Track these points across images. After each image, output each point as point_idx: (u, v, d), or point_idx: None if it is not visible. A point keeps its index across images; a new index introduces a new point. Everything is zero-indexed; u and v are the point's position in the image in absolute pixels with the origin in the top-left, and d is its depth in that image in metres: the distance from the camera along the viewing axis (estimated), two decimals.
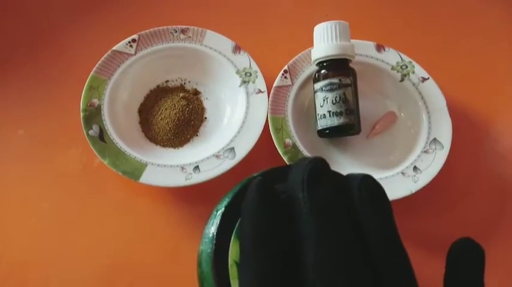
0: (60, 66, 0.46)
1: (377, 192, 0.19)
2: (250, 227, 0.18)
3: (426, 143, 0.40)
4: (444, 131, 0.40)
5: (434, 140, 0.40)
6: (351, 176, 0.19)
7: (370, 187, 0.19)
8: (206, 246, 0.22)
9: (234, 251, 0.20)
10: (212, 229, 0.22)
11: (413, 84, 0.42)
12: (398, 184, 0.38)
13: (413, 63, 0.43)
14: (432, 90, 0.42)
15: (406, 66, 0.43)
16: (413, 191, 0.37)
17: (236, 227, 0.21)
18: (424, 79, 0.43)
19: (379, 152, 0.41)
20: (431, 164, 0.38)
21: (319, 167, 0.18)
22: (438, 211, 0.40)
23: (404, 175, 0.38)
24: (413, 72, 0.43)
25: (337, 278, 0.16)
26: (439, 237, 0.38)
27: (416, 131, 0.41)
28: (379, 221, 0.18)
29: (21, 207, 0.40)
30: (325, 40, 0.39)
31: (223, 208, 0.22)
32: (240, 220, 0.19)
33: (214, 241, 0.20)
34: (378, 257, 0.17)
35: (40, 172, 0.41)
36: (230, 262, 0.20)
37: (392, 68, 0.43)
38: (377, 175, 0.38)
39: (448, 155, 0.39)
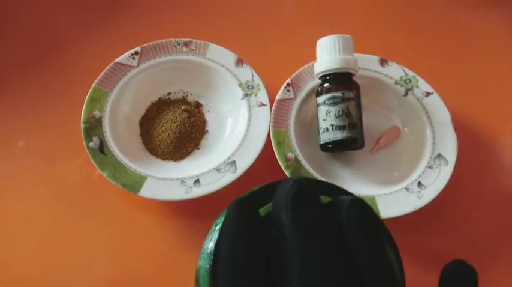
0: (62, 78, 0.46)
1: (366, 217, 0.18)
2: (228, 250, 0.18)
3: (431, 158, 0.39)
4: (449, 146, 0.39)
5: (439, 155, 0.39)
6: (340, 199, 0.19)
7: (359, 211, 0.18)
8: (204, 262, 0.22)
9: None
10: (210, 244, 0.22)
11: (418, 98, 0.42)
12: (402, 199, 0.37)
13: (417, 77, 0.43)
14: (436, 104, 0.42)
15: (410, 81, 0.43)
16: (417, 208, 0.36)
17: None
18: (428, 94, 0.42)
19: (383, 167, 0.41)
20: (436, 180, 0.38)
21: (303, 188, 0.18)
22: (443, 227, 0.39)
23: (408, 190, 0.38)
24: (417, 87, 0.42)
25: None
26: (443, 254, 0.37)
27: (421, 146, 0.41)
28: (368, 248, 0.17)
29: (21, 219, 0.39)
30: (327, 54, 0.39)
31: (221, 223, 0.21)
32: (216, 240, 0.19)
33: (212, 257, 0.19)
34: (367, 282, 0.17)
35: (40, 183, 0.40)
36: None
37: (396, 83, 0.43)
38: (381, 191, 0.38)
39: (453, 170, 0.38)
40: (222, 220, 0.22)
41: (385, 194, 0.37)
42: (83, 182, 0.41)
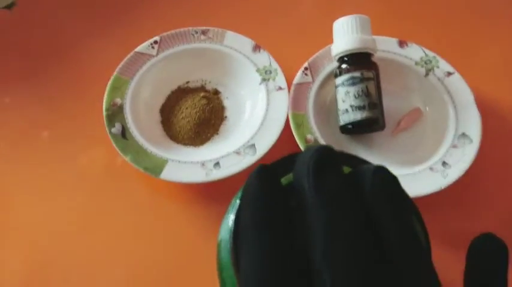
0: (84, 67, 0.47)
1: (391, 185, 0.17)
2: (250, 216, 0.17)
3: (454, 137, 0.38)
4: (473, 126, 0.39)
5: (463, 134, 0.38)
6: (363, 168, 0.18)
7: (383, 179, 0.17)
8: (225, 233, 0.22)
9: None
10: (231, 216, 0.22)
11: (439, 79, 0.41)
12: (427, 179, 0.36)
13: (438, 57, 0.42)
14: (458, 84, 0.41)
15: (430, 61, 0.42)
16: (443, 187, 0.35)
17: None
18: (449, 74, 0.41)
19: (405, 148, 0.40)
20: (461, 159, 0.37)
21: (325, 156, 0.18)
22: (469, 207, 0.38)
23: (432, 170, 0.37)
24: (437, 67, 0.42)
25: (349, 267, 0.15)
26: (469, 232, 0.36)
27: (444, 126, 0.40)
28: (392, 217, 0.17)
29: (46, 206, 0.40)
30: (345, 34, 0.39)
31: (242, 191, 0.21)
32: (239, 204, 0.19)
33: (233, 228, 0.19)
34: (392, 252, 0.16)
35: (64, 171, 0.41)
36: None
37: (416, 64, 0.42)
38: (404, 171, 0.37)
39: (478, 150, 0.37)
40: None
41: (409, 174, 0.37)
42: (106, 169, 0.41)
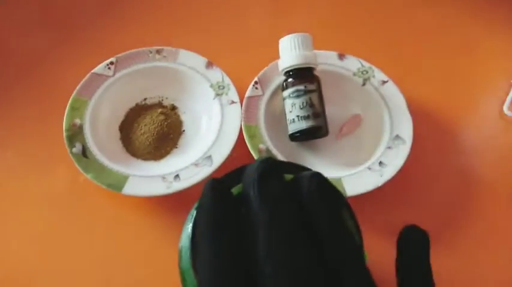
0: (43, 89, 0.48)
1: (324, 187, 0.20)
2: (204, 223, 0.20)
3: (389, 139, 0.43)
4: (405, 128, 0.43)
5: (397, 136, 0.43)
6: (302, 174, 0.21)
7: (318, 183, 0.20)
8: (185, 241, 0.24)
9: None
10: (190, 225, 0.24)
11: (375, 87, 0.46)
12: (365, 178, 0.40)
13: (373, 68, 0.47)
14: (392, 91, 0.46)
15: (367, 72, 0.47)
16: (379, 185, 0.40)
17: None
18: (384, 82, 0.46)
19: (348, 151, 0.44)
20: (395, 159, 0.41)
21: (268, 166, 0.20)
22: (402, 202, 0.43)
23: (370, 169, 0.41)
24: (373, 77, 0.46)
25: (288, 263, 0.18)
26: (402, 225, 0.41)
27: (380, 129, 0.44)
28: (327, 214, 0.19)
29: (9, 225, 0.41)
30: (289, 51, 0.43)
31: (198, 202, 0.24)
32: (194, 218, 0.21)
33: (191, 236, 0.21)
34: (329, 250, 0.19)
35: (28, 190, 0.42)
36: None
37: (354, 74, 0.47)
38: (347, 172, 0.41)
39: (411, 151, 0.42)
40: None
41: (350, 174, 0.41)
42: (70, 187, 0.43)
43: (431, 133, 0.48)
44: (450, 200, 0.44)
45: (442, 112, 0.49)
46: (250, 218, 0.20)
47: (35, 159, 0.44)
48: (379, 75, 0.46)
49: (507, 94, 0.50)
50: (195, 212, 0.25)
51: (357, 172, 0.41)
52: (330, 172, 0.42)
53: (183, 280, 0.23)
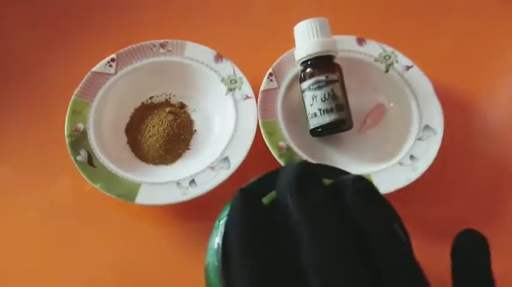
0: (40, 93, 0.45)
1: (369, 191, 0.19)
2: (237, 239, 0.18)
3: (419, 130, 0.40)
4: (435, 117, 0.40)
5: (427, 126, 0.40)
6: (343, 178, 0.19)
7: (361, 187, 0.19)
8: (212, 258, 0.22)
9: None
10: (216, 239, 0.22)
11: (399, 73, 0.43)
12: (397, 174, 0.37)
13: (396, 52, 0.43)
14: (418, 77, 0.42)
15: (389, 57, 0.43)
16: (412, 180, 0.37)
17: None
18: (408, 67, 0.43)
19: (374, 145, 0.41)
20: (427, 151, 0.38)
21: (306, 171, 0.19)
22: (438, 197, 0.40)
23: (401, 164, 0.38)
24: (397, 62, 0.43)
25: (339, 279, 0.16)
26: (443, 222, 0.38)
27: (408, 119, 0.41)
28: (374, 219, 0.18)
29: (13, 242, 0.38)
30: (306, 39, 0.39)
31: (226, 217, 0.21)
32: (223, 232, 0.19)
33: (221, 251, 0.19)
34: (377, 255, 0.17)
35: (31, 207, 0.39)
36: None
37: (376, 60, 0.43)
38: (375, 168, 0.38)
39: (442, 140, 0.39)
40: (226, 213, 0.22)
41: (379, 170, 0.38)
42: (75, 198, 0.40)
43: (459, 120, 0.44)
44: (486, 189, 0.41)
45: (467, 97, 0.46)
46: (289, 227, 0.18)
47: (35, 169, 0.41)
48: (403, 60, 0.43)
49: None
50: (221, 225, 0.23)
51: (387, 167, 0.38)
52: (356, 167, 0.39)
53: None
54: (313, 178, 0.19)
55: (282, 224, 0.19)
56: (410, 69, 0.43)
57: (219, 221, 0.23)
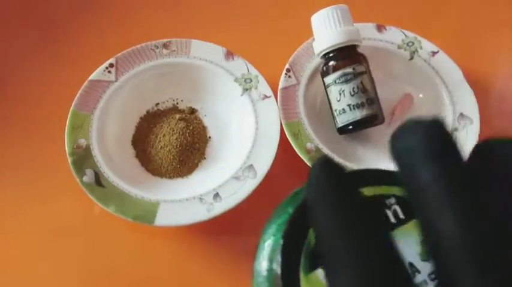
0: (34, 109, 0.40)
1: None
2: (328, 216, 0.13)
3: (454, 119, 0.37)
4: (468, 104, 0.37)
5: (461, 115, 0.37)
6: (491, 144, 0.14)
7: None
8: (263, 285, 0.18)
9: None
10: (264, 264, 0.18)
11: (424, 60, 0.39)
12: None
13: (419, 38, 0.40)
14: (445, 62, 0.39)
15: (413, 43, 0.40)
16: None
17: (302, 260, 0.16)
18: (434, 53, 0.40)
19: None
20: (466, 141, 0.35)
21: (443, 132, 0.13)
22: None
23: None
24: (421, 48, 0.40)
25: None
26: None
27: (439, 108, 0.38)
28: None
29: (19, 273, 0.33)
30: (327, 29, 0.36)
31: (280, 238, 0.17)
32: (309, 222, 0.14)
33: (281, 277, 0.16)
34: None
35: (33, 232, 0.35)
36: None
37: (399, 47, 0.40)
38: None
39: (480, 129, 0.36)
40: (271, 232, 0.18)
41: None
42: (83, 222, 0.35)
43: (493, 106, 0.42)
44: None
45: (497, 81, 0.43)
46: (422, 201, 0.13)
47: (35, 194, 0.36)
48: (427, 45, 0.40)
49: None
50: (266, 246, 0.19)
51: None
52: (388, 163, 0.35)
53: None
54: (449, 141, 0.13)
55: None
56: (437, 55, 0.40)
57: (264, 243, 0.20)
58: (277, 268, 0.17)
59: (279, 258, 0.17)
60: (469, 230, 0.12)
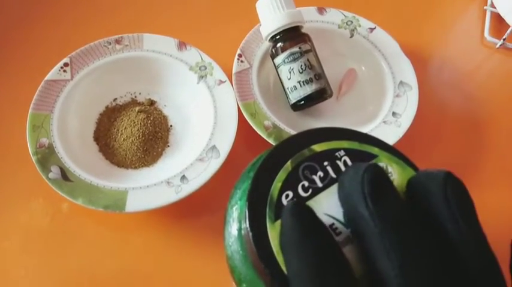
0: None
1: (462, 195, 0.16)
2: (300, 263, 0.15)
3: (395, 87, 0.40)
4: (407, 73, 0.41)
5: (401, 82, 0.41)
6: (428, 177, 0.16)
7: (456, 192, 0.15)
8: (235, 246, 0.20)
9: (274, 235, 0.18)
10: (234, 226, 0.20)
11: (364, 36, 0.43)
12: (385, 132, 0.38)
13: (357, 17, 0.44)
14: (382, 37, 0.43)
15: (351, 22, 0.43)
16: (400, 136, 0.37)
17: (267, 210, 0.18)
18: (371, 29, 0.43)
19: (353, 109, 0.41)
20: (407, 106, 0.39)
21: (377, 175, 0.16)
22: (424, 152, 0.41)
23: (386, 123, 0.38)
24: (359, 26, 0.43)
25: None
26: None
27: (381, 79, 0.42)
28: (471, 232, 0.15)
29: None
30: (271, 13, 0.38)
31: (244, 199, 0.19)
32: (284, 258, 0.16)
33: (251, 234, 0.17)
34: (474, 272, 0.15)
35: (3, 236, 0.35)
36: (275, 249, 0.18)
37: (340, 27, 0.43)
38: (363, 129, 0.38)
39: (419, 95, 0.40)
40: (238, 197, 0.20)
41: (368, 132, 0.38)
42: (53, 220, 0.35)
43: (423, 73, 0.46)
44: (461, 144, 0.42)
45: (426, 53, 0.47)
46: (362, 240, 0.16)
47: (2, 199, 0.36)
48: (364, 23, 0.43)
49: (484, 21, 0.49)
50: (234, 210, 0.21)
51: (374, 128, 0.38)
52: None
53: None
54: (386, 182, 0.16)
55: (352, 234, 0.16)
56: (374, 31, 0.43)
57: (232, 208, 0.21)
58: (246, 224, 0.19)
59: (247, 215, 0.19)
60: (402, 276, 0.14)
